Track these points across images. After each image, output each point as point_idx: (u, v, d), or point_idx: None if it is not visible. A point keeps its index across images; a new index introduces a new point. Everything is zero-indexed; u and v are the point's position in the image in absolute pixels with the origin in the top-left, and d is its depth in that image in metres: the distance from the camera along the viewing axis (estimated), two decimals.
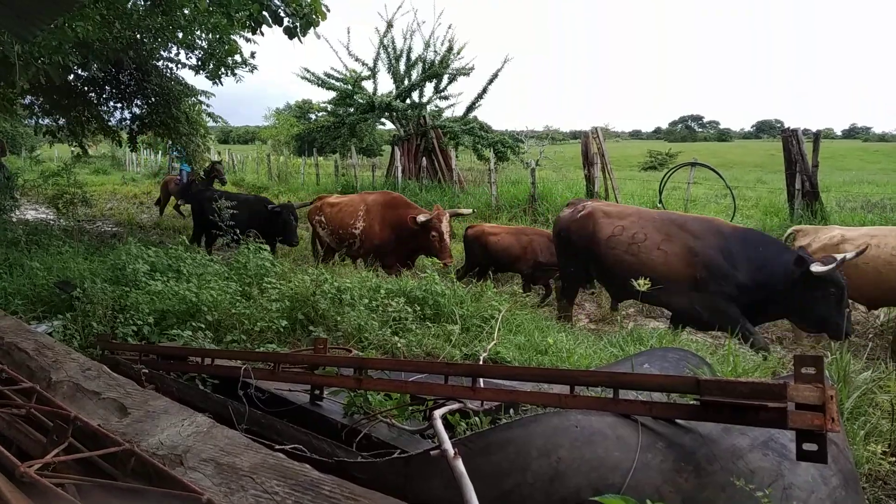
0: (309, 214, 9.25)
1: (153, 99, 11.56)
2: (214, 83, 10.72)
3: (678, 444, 1.89)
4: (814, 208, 9.30)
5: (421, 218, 7.35)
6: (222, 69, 10.45)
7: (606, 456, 1.80)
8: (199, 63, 10.56)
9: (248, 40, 10.25)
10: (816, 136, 10.09)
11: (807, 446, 1.74)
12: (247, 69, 10.62)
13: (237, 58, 10.31)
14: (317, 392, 2.91)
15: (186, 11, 8.87)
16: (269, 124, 43.85)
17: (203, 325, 4.33)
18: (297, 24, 9.02)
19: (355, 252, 8.36)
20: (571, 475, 1.74)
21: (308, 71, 18.83)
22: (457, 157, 18.35)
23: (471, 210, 9.72)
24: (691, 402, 1.88)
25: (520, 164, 18.69)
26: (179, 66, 11.69)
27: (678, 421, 2.00)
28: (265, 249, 6.30)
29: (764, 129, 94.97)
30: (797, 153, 9.59)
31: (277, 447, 2.05)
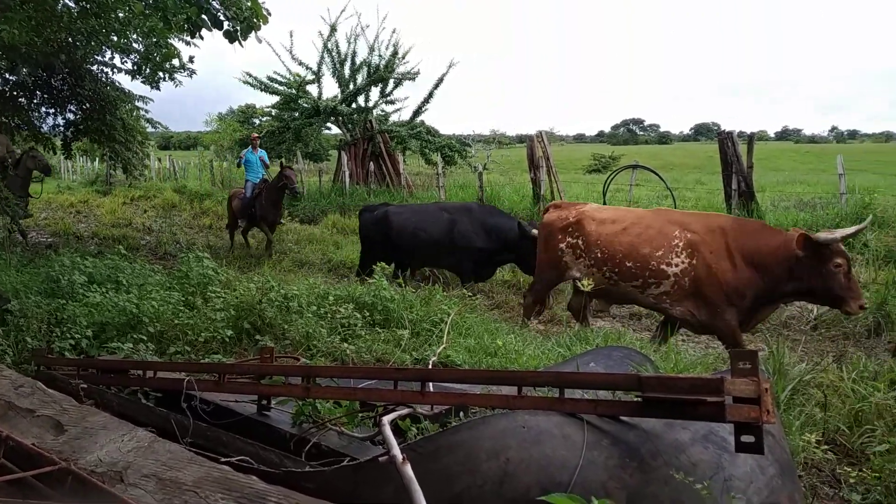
0: (546, 231, 6.03)
1: (87, 104, 11.16)
2: (152, 88, 10.42)
3: (623, 440, 1.94)
4: (750, 208, 9.66)
5: (823, 236, 4.60)
6: (160, 73, 10.16)
7: (554, 455, 1.82)
8: (136, 67, 10.24)
9: (187, 44, 10.01)
10: (751, 139, 10.49)
11: (744, 438, 1.81)
12: (185, 73, 10.36)
13: (175, 62, 10.05)
14: (264, 402, 2.87)
15: (121, 14, 8.60)
16: (211, 129, 42.91)
17: (144, 337, 4.21)
18: (238, 28, 8.89)
19: (652, 299, 5.33)
20: (520, 475, 1.76)
21: (250, 75, 18.54)
22: (405, 161, 18.34)
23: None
24: (634, 399, 1.93)
25: (468, 168, 18.82)
26: (115, 70, 11.32)
27: (623, 418, 2.05)
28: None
29: (701, 131, 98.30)
30: (733, 155, 9.96)
31: (223, 460, 2.01)
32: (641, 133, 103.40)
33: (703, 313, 5.12)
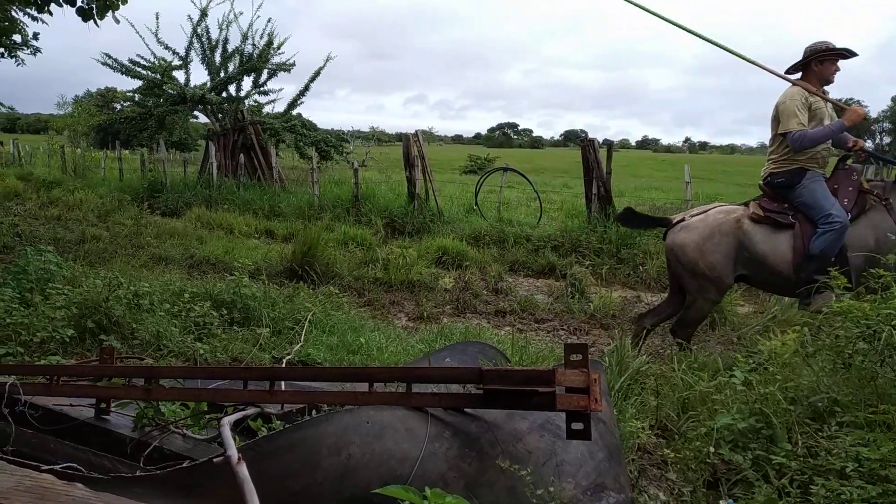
0: None
1: None
2: None
3: (464, 431, 2.01)
4: (607, 211, 10.27)
5: None
6: None
7: (396, 448, 1.86)
8: None
9: (34, 19, 9.11)
10: (609, 146, 11.16)
11: (574, 425, 1.93)
12: (28, 51, 9.43)
13: (17, 38, 9.11)
14: (103, 405, 2.70)
15: None
16: (65, 113, 39.67)
17: None
18: (94, 6, 8.19)
19: None
20: (361, 470, 1.78)
21: (110, 56, 17.21)
22: (278, 154, 17.81)
23: None
24: (475, 392, 2.00)
25: (345, 164, 18.63)
26: None
27: (467, 410, 2.12)
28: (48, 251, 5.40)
29: (570, 137, 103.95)
30: (594, 161, 10.53)
31: (44, 468, 1.87)
32: (516, 137, 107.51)
33: None
